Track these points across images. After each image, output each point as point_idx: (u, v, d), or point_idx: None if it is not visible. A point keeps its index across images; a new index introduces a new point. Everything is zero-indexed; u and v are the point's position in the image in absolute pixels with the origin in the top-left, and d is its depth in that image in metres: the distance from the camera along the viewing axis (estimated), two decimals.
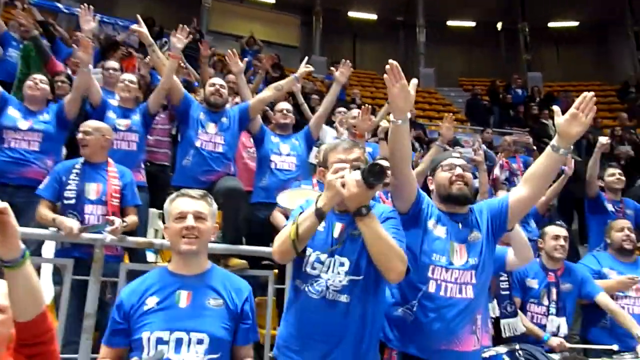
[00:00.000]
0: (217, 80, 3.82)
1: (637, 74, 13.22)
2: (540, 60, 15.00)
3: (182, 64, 4.96)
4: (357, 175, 1.63)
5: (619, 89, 12.47)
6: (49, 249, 3.25)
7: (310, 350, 1.81)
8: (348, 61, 4.11)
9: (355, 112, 4.45)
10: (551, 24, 15.67)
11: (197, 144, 3.53)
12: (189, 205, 1.91)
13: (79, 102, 3.59)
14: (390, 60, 1.79)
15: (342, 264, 1.82)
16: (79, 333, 2.57)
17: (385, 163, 1.82)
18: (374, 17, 16.13)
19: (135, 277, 2.02)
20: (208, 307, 1.84)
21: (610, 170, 4.52)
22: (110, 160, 3.13)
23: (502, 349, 2.43)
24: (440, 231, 2.04)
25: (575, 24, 15.61)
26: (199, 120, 3.61)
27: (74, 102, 3.53)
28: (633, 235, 3.26)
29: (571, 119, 1.89)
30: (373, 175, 1.61)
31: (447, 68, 15.28)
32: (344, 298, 1.80)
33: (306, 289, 1.85)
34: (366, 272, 1.79)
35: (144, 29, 3.54)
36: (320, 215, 1.71)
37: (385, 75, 1.80)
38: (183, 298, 1.84)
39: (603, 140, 4.43)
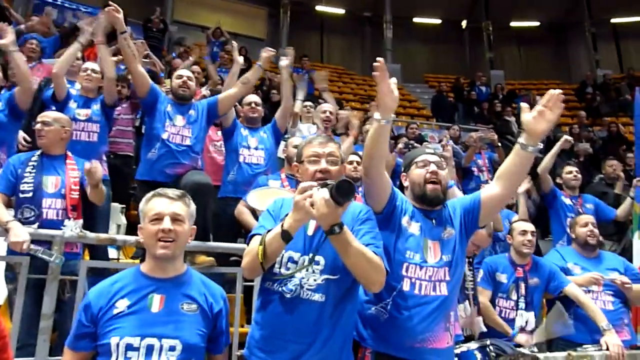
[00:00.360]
0: (184, 72, 3.69)
1: (593, 73, 13.69)
2: (502, 59, 15.36)
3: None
4: (325, 193, 1.56)
5: (577, 88, 12.89)
6: (1, 246, 3.07)
7: (283, 351, 1.76)
8: (291, 49, 4.06)
9: (325, 106, 4.41)
10: (513, 24, 16.05)
11: (164, 136, 3.40)
12: (166, 206, 1.80)
13: (30, 92, 3.38)
14: (379, 58, 1.76)
15: (317, 263, 1.77)
16: (35, 335, 2.43)
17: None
18: (341, 11, 16.11)
19: (96, 275, 1.91)
20: (182, 312, 1.75)
21: (568, 168, 4.70)
22: (69, 152, 2.99)
23: (473, 345, 2.44)
24: (414, 228, 2.03)
25: (536, 24, 16.04)
26: (166, 112, 3.47)
27: (24, 91, 3.30)
28: (596, 231, 3.34)
29: (538, 117, 1.89)
30: (342, 194, 1.54)
31: (413, 64, 15.42)
32: (318, 297, 1.75)
33: (279, 288, 1.79)
34: (342, 271, 1.75)
35: (119, 13, 3.28)
36: (286, 238, 1.65)
37: (374, 74, 1.77)
38: (156, 302, 1.74)
39: (568, 137, 4.57)
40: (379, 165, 1.95)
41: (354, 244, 1.65)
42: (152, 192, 1.87)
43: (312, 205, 1.57)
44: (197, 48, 7.17)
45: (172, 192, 1.86)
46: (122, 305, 1.71)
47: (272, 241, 1.68)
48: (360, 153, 3.89)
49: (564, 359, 2.67)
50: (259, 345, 1.81)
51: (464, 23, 16.37)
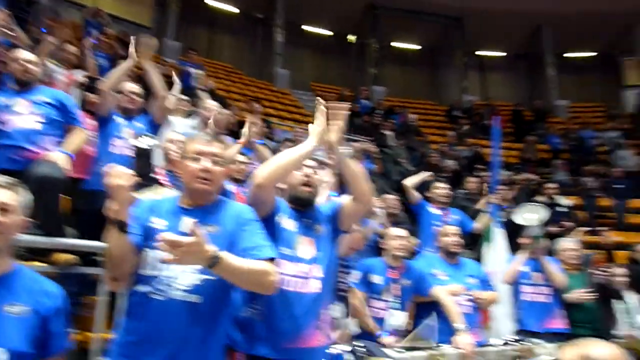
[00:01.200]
0: (25, 55, 3.26)
1: (461, 99, 15.11)
2: (385, 76, 16.23)
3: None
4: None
5: (447, 110, 14.14)
6: None
7: (150, 356, 1.65)
8: (151, 37, 3.60)
9: (213, 104, 4.28)
10: (396, 44, 17.09)
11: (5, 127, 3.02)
12: None
13: None
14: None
15: None
16: None
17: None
18: (234, 9, 15.84)
19: None
20: (8, 316, 1.54)
21: (438, 184, 5.19)
22: None
23: (344, 347, 2.51)
24: (289, 225, 2.11)
25: (417, 47, 17.24)
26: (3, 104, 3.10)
27: None
28: (460, 240, 3.67)
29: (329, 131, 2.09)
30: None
31: (301, 72, 15.66)
32: (195, 298, 1.67)
33: (150, 289, 1.68)
34: None
35: None
36: (122, 226, 1.59)
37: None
38: None
39: (431, 174, 5.43)
40: (283, 180, 2.07)
41: (237, 264, 1.61)
42: None
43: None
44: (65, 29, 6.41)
45: (2, 179, 1.65)
46: None
47: (113, 238, 1.61)
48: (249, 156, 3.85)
49: (427, 358, 2.86)
50: (123, 352, 1.68)
51: (352, 38, 17.04)
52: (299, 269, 2.03)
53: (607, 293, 4.61)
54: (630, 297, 4.73)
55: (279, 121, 10.37)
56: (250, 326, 1.96)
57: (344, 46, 17.13)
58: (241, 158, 3.50)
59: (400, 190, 5.59)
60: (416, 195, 5.03)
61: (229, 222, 1.80)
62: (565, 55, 15.90)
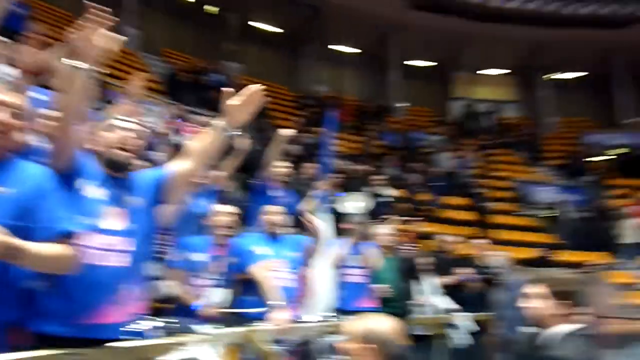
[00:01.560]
0: None
1: (313, 88, 15.63)
2: (242, 54, 15.97)
3: None
4: None
5: (300, 97, 14.53)
6: None
7: None
8: None
9: (29, 50, 3.73)
10: (257, 24, 16.92)
11: None
12: None
13: None
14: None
15: None
16: None
17: None
18: None
19: None
20: None
21: (280, 164, 5.23)
22: None
23: (154, 323, 2.42)
24: (94, 193, 1.91)
25: (280, 30, 17.24)
26: None
27: None
28: (282, 218, 3.78)
29: (241, 106, 2.08)
30: None
31: (153, 34, 14.60)
32: None
33: None
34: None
35: None
36: None
37: None
38: None
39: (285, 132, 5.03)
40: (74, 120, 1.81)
41: (35, 253, 1.50)
42: None
43: None
44: None
45: None
46: None
47: None
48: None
49: (241, 334, 2.89)
50: None
51: (212, 9, 16.40)
52: (103, 240, 1.87)
53: (409, 272, 5.22)
54: (429, 279, 5.44)
55: (121, 84, 9.55)
56: (36, 300, 1.75)
57: (203, 15, 16.40)
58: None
59: (243, 170, 5.54)
60: (269, 173, 5.00)
61: (23, 185, 1.61)
62: (407, 62, 17.38)
